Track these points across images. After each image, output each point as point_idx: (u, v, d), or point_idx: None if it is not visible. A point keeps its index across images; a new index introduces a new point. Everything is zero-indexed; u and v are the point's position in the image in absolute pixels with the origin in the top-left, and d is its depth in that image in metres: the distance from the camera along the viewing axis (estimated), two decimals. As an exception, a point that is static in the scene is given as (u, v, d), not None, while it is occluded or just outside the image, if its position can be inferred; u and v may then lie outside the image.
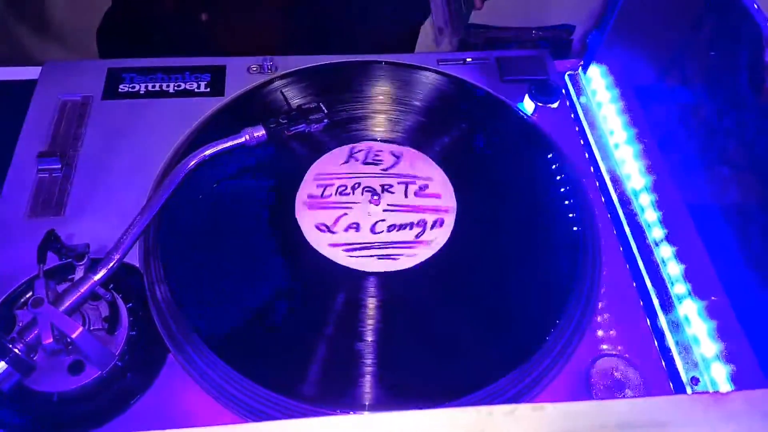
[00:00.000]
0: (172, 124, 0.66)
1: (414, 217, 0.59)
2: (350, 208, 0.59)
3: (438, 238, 0.58)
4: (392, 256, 0.56)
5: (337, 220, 0.59)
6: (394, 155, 0.63)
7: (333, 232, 0.57)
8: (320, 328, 0.51)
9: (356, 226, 0.58)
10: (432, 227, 0.58)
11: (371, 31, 0.88)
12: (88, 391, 0.48)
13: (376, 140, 0.65)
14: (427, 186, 0.61)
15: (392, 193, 0.60)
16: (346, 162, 0.63)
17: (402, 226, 0.58)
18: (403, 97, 0.68)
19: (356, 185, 0.61)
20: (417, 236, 0.57)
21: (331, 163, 0.63)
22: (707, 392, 0.47)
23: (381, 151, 0.64)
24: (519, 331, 0.53)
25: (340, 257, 0.56)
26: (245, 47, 0.75)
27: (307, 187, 0.61)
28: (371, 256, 0.56)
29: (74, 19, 0.91)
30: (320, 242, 0.57)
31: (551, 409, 0.26)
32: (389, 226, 0.58)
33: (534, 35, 1.11)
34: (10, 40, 0.87)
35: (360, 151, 0.64)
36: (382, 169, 0.62)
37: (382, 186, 0.61)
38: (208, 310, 0.52)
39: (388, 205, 0.60)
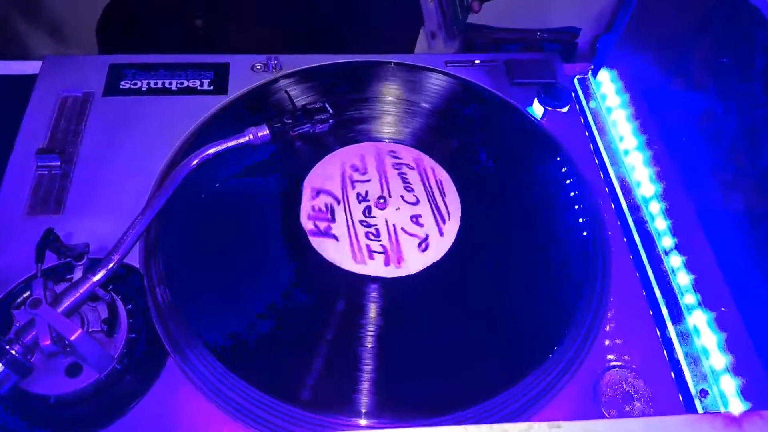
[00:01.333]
0: (174, 122, 0.65)
1: (416, 227, 0.58)
2: (357, 203, 0.59)
3: (420, 260, 0.56)
4: (386, 254, 0.55)
5: (333, 203, 0.59)
6: (423, 169, 0.62)
7: (333, 221, 0.57)
8: (322, 334, 0.50)
9: (358, 221, 0.58)
10: (418, 247, 0.57)
11: (370, 32, 0.87)
12: (85, 394, 0.47)
13: (412, 147, 0.64)
14: (439, 209, 0.59)
15: (401, 197, 0.59)
16: (376, 157, 0.62)
17: (401, 231, 0.57)
18: (411, 98, 0.67)
19: (369, 181, 0.60)
20: (418, 245, 0.56)
21: (358, 153, 0.63)
22: (722, 413, 0.46)
23: (415, 160, 0.63)
24: (526, 341, 0.52)
25: (327, 246, 0.55)
26: (245, 44, 0.74)
27: (325, 166, 0.61)
28: (368, 251, 0.56)
29: (73, 13, 0.90)
30: (307, 219, 0.57)
31: (567, 428, 0.25)
32: (389, 229, 0.57)
33: (538, 37, 1.10)
34: (7, 34, 0.87)
35: (396, 156, 0.63)
36: (404, 178, 0.61)
37: (395, 193, 0.60)
38: (209, 313, 0.51)
39: (390, 211, 0.59)
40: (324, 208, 0.58)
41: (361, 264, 0.55)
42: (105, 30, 0.87)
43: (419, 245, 0.56)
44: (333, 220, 0.57)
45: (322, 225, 0.57)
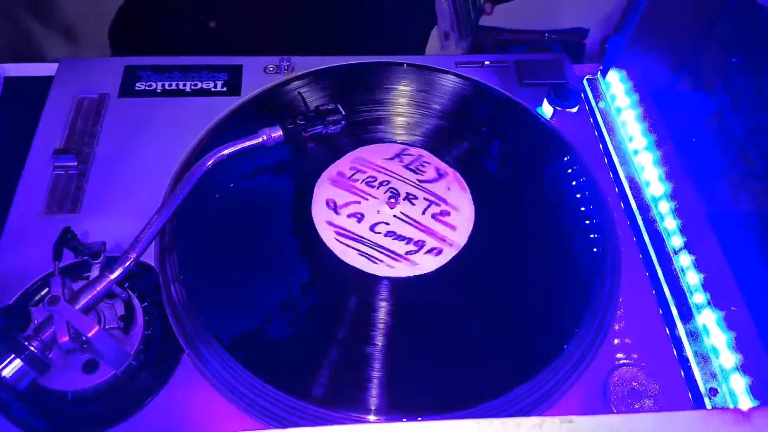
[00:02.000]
0: (188, 123, 0.65)
1: (416, 235, 0.58)
2: (366, 199, 0.59)
3: (425, 264, 0.56)
4: (373, 258, 0.55)
5: (347, 204, 0.59)
6: (438, 172, 0.62)
7: (337, 213, 0.57)
8: (334, 331, 0.51)
9: (360, 217, 0.58)
10: (427, 252, 0.57)
11: (382, 32, 0.87)
12: (102, 390, 0.48)
13: (428, 151, 0.64)
14: (448, 213, 0.59)
15: (412, 204, 0.60)
16: (391, 159, 0.62)
17: (399, 237, 0.57)
18: (422, 99, 0.68)
19: (385, 182, 0.60)
20: (406, 253, 0.57)
21: (377, 153, 0.63)
22: (733, 408, 0.46)
23: (428, 163, 0.63)
24: (536, 339, 0.53)
25: (329, 237, 0.56)
26: (257, 45, 0.75)
27: (342, 164, 0.62)
28: (355, 249, 0.56)
29: (86, 16, 0.91)
30: (321, 218, 0.57)
31: (579, 422, 0.26)
32: (388, 232, 0.58)
33: (546, 38, 1.10)
34: (21, 37, 0.88)
35: (409, 155, 0.63)
36: (418, 180, 0.61)
37: (408, 194, 0.60)
38: (223, 311, 0.51)
39: (401, 212, 0.59)
40: (342, 186, 0.59)
41: (341, 245, 0.55)
42: (118, 32, 0.88)
43: (431, 245, 0.57)
44: (342, 198, 0.58)
45: (331, 197, 0.57)
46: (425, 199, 0.60)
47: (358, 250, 0.56)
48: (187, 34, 0.85)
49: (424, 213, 0.59)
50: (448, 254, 0.56)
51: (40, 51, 0.91)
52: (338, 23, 0.85)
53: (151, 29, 0.87)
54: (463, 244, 0.57)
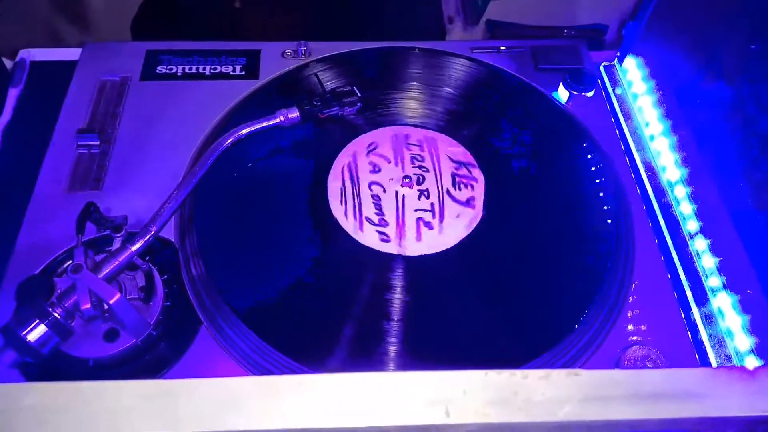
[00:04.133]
0: (207, 105, 0.67)
1: (389, 218, 0.58)
2: (396, 165, 0.61)
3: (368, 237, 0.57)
4: (344, 199, 0.58)
5: (381, 156, 0.62)
6: (468, 200, 0.60)
7: (367, 155, 0.61)
8: (350, 305, 0.52)
9: (375, 170, 0.61)
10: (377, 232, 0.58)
11: (401, 19, 0.88)
12: (122, 358, 0.49)
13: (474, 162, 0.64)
14: (431, 227, 0.58)
15: (418, 199, 0.60)
16: (452, 161, 0.63)
17: (378, 207, 0.58)
18: (437, 83, 0.68)
19: (424, 168, 0.62)
20: (366, 218, 0.58)
21: (449, 146, 0.64)
22: (737, 366, 0.46)
23: (472, 188, 0.61)
24: (547, 318, 0.53)
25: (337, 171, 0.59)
26: (278, 30, 0.76)
27: (414, 132, 0.64)
28: (341, 185, 0.59)
29: (109, 8, 0.93)
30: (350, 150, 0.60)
31: (586, 376, 0.26)
32: (376, 196, 0.59)
33: (566, 34, 1.10)
34: (46, 27, 0.90)
35: (467, 171, 0.62)
36: (447, 190, 0.61)
37: (426, 190, 0.60)
38: (240, 284, 0.52)
39: (402, 195, 0.60)
40: (353, 198, 0.59)
41: (402, 245, 0.56)
42: (141, 25, 0.90)
43: (426, 232, 0.57)
44: (365, 207, 0.59)
45: (356, 214, 0.58)
46: (431, 204, 0.60)
47: (343, 184, 0.58)
48: (209, 26, 0.86)
49: (415, 210, 0.59)
50: (387, 247, 0.56)
51: (62, 38, 0.93)
52: (358, 9, 0.86)
53: (174, 22, 0.89)
54: (483, 196, 0.59)
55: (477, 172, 0.62)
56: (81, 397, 0.28)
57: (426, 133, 0.65)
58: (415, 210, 0.59)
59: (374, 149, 0.62)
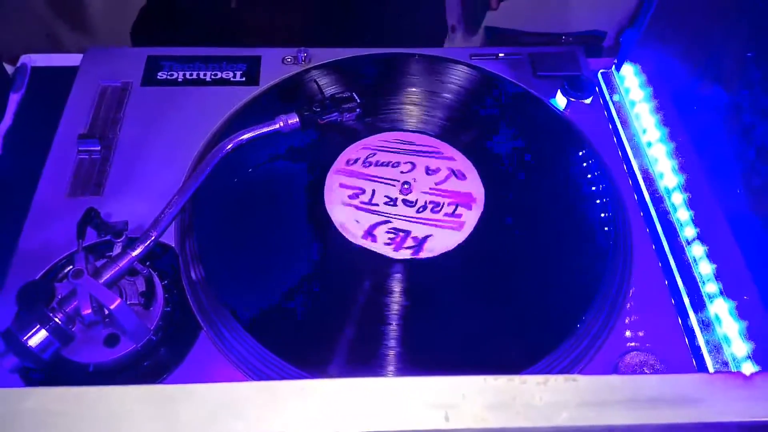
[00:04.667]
0: (208, 111, 0.67)
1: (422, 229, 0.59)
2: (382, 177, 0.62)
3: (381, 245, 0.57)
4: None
5: (368, 166, 0.62)
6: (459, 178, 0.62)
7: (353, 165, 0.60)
8: (349, 310, 0.52)
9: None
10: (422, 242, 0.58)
11: (400, 26, 0.88)
12: (122, 363, 0.49)
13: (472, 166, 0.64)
14: (443, 200, 0.60)
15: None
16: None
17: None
18: (436, 90, 0.69)
19: (411, 170, 0.62)
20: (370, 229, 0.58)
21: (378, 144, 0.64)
22: (734, 372, 0.46)
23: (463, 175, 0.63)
24: (545, 324, 0.53)
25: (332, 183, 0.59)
26: (278, 36, 0.76)
27: (388, 137, 0.64)
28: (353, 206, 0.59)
29: (109, 14, 0.93)
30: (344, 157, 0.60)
31: (583, 381, 0.27)
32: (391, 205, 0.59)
33: (563, 41, 1.11)
34: (47, 33, 0.90)
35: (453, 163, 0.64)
36: (435, 183, 0.62)
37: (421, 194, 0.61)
38: (241, 290, 0.53)
39: (408, 197, 0.61)
40: (353, 203, 0.60)
41: (399, 250, 0.56)
42: (140, 31, 0.90)
43: (451, 222, 0.58)
44: (364, 212, 0.59)
45: (356, 218, 0.58)
46: (434, 203, 0.60)
47: (345, 202, 0.59)
48: (209, 34, 0.87)
49: (418, 212, 0.60)
50: (475, 212, 0.58)
51: (63, 44, 0.93)
52: (357, 16, 0.86)
53: (174, 28, 0.89)
54: (482, 201, 0.59)
55: (473, 179, 0.62)
56: (81, 402, 0.29)
57: (420, 138, 0.65)
58: (419, 211, 0.59)
59: (365, 159, 0.63)
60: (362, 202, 0.59)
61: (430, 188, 0.61)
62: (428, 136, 0.65)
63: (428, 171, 0.62)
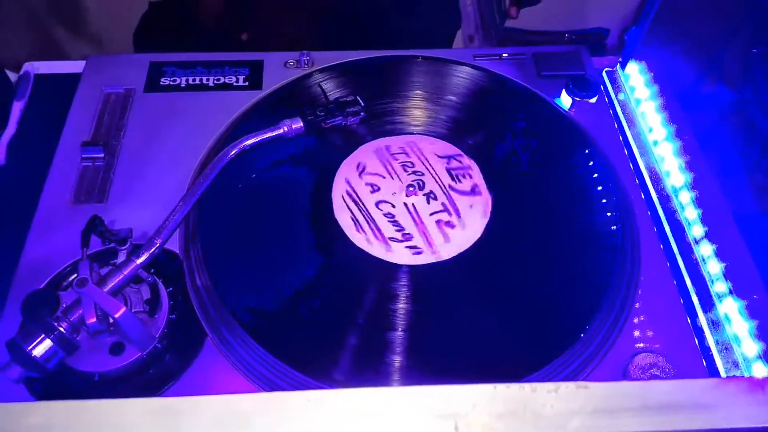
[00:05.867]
0: (211, 116, 0.67)
1: (410, 228, 0.58)
2: (392, 178, 0.61)
3: (398, 255, 0.56)
4: (358, 225, 0.57)
5: (374, 173, 0.61)
6: (472, 189, 0.61)
7: (360, 177, 0.60)
8: (355, 316, 0.52)
9: (375, 189, 0.60)
10: (407, 247, 0.57)
11: (407, 33, 0.88)
12: (128, 371, 0.49)
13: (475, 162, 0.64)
14: (453, 226, 0.58)
15: (428, 203, 0.60)
16: (441, 157, 0.63)
17: (394, 223, 0.58)
18: (440, 91, 0.69)
19: (419, 172, 0.62)
20: (389, 238, 0.57)
21: (432, 146, 0.64)
22: (746, 376, 0.46)
23: (470, 177, 0.62)
24: (553, 327, 0.53)
25: (338, 193, 0.59)
26: (281, 43, 0.76)
27: (394, 141, 0.64)
28: (350, 210, 0.58)
29: (110, 17, 0.93)
30: (343, 175, 0.60)
31: (594, 388, 0.26)
32: (389, 213, 0.59)
33: (567, 38, 1.10)
34: (50, 40, 0.90)
35: (459, 161, 0.63)
36: (450, 185, 0.61)
37: (431, 192, 0.60)
38: (246, 296, 0.52)
39: (412, 203, 0.60)
40: (358, 208, 0.59)
41: (420, 254, 0.56)
42: (142, 37, 0.90)
43: (450, 231, 0.57)
44: (371, 217, 0.58)
45: (361, 224, 0.58)
46: (443, 204, 0.60)
47: (352, 213, 0.57)
48: (210, 38, 0.87)
49: (431, 215, 0.59)
50: (423, 258, 0.56)
51: (65, 51, 0.93)
52: (364, 26, 0.86)
53: (176, 34, 0.89)
54: (445, 258, 0.56)
55: (467, 160, 0.63)
56: (85, 415, 0.28)
57: (405, 138, 0.65)
58: (431, 214, 0.59)
59: (364, 170, 0.62)
60: (378, 219, 0.59)
61: (438, 191, 0.60)
62: (433, 138, 0.65)
63: (435, 174, 0.62)
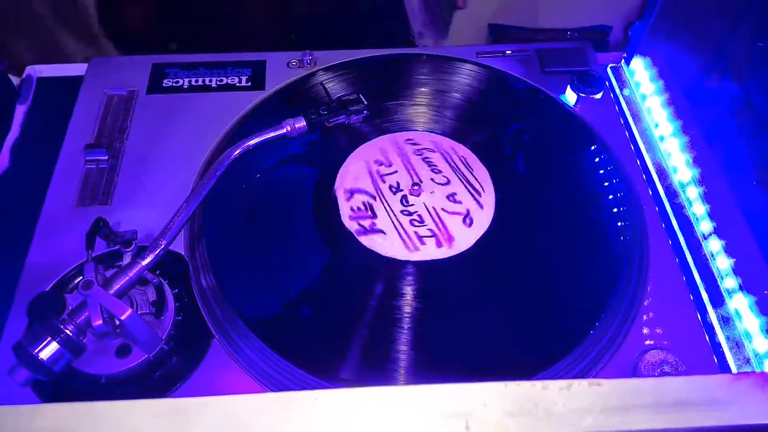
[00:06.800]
0: (214, 117, 0.67)
1: (438, 219, 0.58)
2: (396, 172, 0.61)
3: (464, 240, 0.57)
4: (405, 241, 0.56)
5: (371, 189, 0.60)
6: (461, 159, 0.62)
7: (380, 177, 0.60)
8: (361, 313, 0.51)
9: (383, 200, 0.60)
10: (459, 227, 0.58)
11: (364, 30, 0.87)
12: (135, 373, 0.49)
13: (460, 144, 0.64)
14: (477, 190, 0.60)
15: (435, 188, 0.60)
16: (415, 145, 0.63)
17: (420, 221, 0.58)
18: (444, 89, 0.68)
19: (410, 169, 0.61)
20: (431, 233, 0.57)
21: (402, 140, 0.64)
22: (760, 372, 0.45)
23: (453, 150, 0.63)
24: (563, 324, 0.52)
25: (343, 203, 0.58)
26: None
27: (369, 151, 0.63)
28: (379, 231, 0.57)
29: (112, 24, 0.93)
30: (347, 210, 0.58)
31: (608, 386, 0.26)
32: (413, 221, 0.58)
33: (569, 36, 1.09)
34: (52, 43, 0.90)
35: (423, 146, 0.63)
36: (447, 182, 0.61)
37: (430, 180, 0.61)
38: (252, 296, 0.52)
39: (425, 198, 0.59)
40: (363, 207, 0.59)
41: (414, 251, 0.56)
42: (144, 37, 0.90)
43: (463, 221, 0.57)
44: (374, 215, 0.58)
45: (366, 223, 0.57)
46: (434, 171, 0.61)
47: (358, 211, 0.57)
48: (210, 26, 0.86)
49: (454, 203, 0.59)
50: (489, 204, 0.58)
51: (67, 54, 0.93)
52: (325, 22, 0.85)
53: (178, 32, 0.89)
54: (492, 196, 0.58)
55: (470, 155, 0.63)
56: (92, 417, 0.28)
57: (419, 136, 0.64)
58: (431, 212, 0.58)
59: (372, 163, 0.62)
60: (374, 204, 0.58)
61: (442, 187, 0.60)
62: (437, 135, 0.64)
63: (439, 171, 0.61)
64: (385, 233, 0.57)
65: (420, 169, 0.61)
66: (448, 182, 0.60)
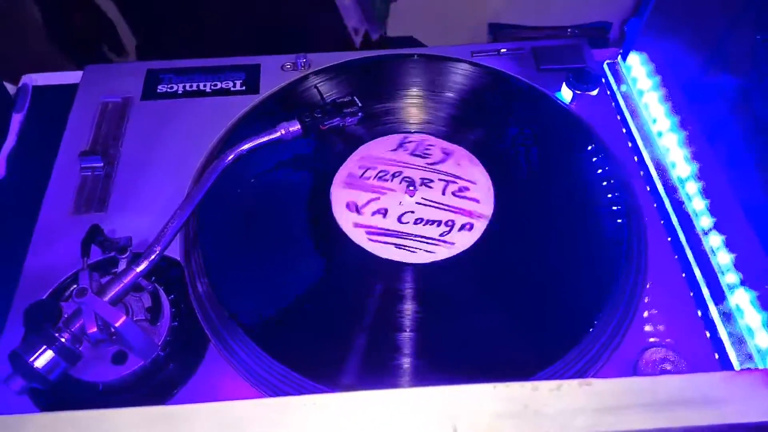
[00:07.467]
0: (209, 122, 0.67)
1: (444, 216, 0.58)
2: (384, 194, 0.59)
3: (461, 241, 0.56)
4: (409, 248, 0.55)
5: (367, 202, 0.59)
6: (444, 152, 0.62)
7: (360, 213, 0.58)
8: (357, 317, 0.51)
9: (384, 212, 0.58)
10: (460, 230, 0.57)
11: (303, 32, 0.87)
12: (132, 380, 0.49)
13: (429, 134, 0.64)
14: (467, 188, 0.60)
15: (430, 188, 0.60)
16: (395, 150, 0.63)
17: (429, 222, 0.57)
18: (439, 89, 0.68)
19: (397, 173, 0.61)
20: (441, 235, 0.57)
21: (379, 147, 0.63)
22: (759, 369, 0.45)
23: (432, 145, 0.63)
24: (561, 323, 0.52)
25: (361, 239, 0.56)
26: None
27: (350, 166, 0.61)
28: (389, 243, 0.56)
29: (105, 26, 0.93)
30: (347, 221, 0.57)
31: (599, 385, 0.25)
32: (417, 219, 0.58)
33: (569, 34, 1.09)
34: (47, 51, 0.91)
35: (411, 142, 0.63)
36: (427, 163, 0.61)
37: (422, 179, 0.60)
38: (248, 301, 0.52)
39: (422, 198, 0.59)
40: (357, 187, 0.59)
41: (376, 243, 0.55)
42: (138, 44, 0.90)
43: (437, 239, 0.57)
44: (362, 198, 0.58)
45: (351, 200, 0.57)
46: (440, 179, 0.60)
47: (395, 244, 0.56)
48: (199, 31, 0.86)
49: (444, 194, 0.59)
50: (480, 227, 0.57)
51: (62, 62, 0.94)
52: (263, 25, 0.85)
53: (171, 37, 0.89)
54: (491, 213, 0.58)
55: (470, 167, 0.62)
56: (81, 426, 0.28)
57: (444, 145, 0.64)
58: (427, 214, 0.58)
59: (367, 166, 0.62)
60: (370, 206, 0.58)
61: (438, 195, 0.60)
62: (433, 137, 0.64)
63: (436, 172, 0.61)
64: (381, 234, 0.56)
65: (416, 170, 0.61)
66: (446, 183, 0.60)
